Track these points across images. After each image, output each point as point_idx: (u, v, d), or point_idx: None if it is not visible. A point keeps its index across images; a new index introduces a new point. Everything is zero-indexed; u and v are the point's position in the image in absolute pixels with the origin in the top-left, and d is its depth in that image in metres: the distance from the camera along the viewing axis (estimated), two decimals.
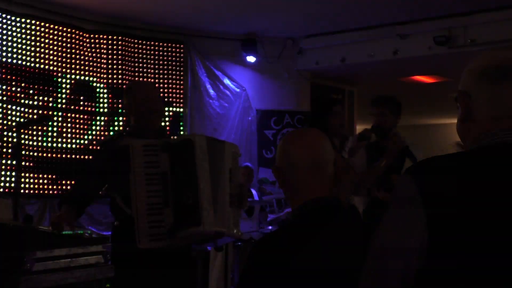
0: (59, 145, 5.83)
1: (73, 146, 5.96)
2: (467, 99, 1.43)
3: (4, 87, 5.50)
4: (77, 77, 6.08)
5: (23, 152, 5.47)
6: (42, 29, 5.83)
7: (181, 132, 6.84)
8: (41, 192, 5.69)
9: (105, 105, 6.29)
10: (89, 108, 6.14)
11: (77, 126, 6.03)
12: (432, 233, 1.27)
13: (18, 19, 5.65)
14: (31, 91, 5.69)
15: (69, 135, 5.96)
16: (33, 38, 5.75)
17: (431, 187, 1.30)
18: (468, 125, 1.44)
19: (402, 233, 1.31)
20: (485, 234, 1.26)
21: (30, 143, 5.65)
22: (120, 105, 6.31)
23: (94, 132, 6.20)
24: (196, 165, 2.95)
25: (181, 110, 6.85)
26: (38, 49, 5.78)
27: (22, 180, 5.48)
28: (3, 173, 5.37)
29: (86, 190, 3.12)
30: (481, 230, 1.27)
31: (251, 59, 7.11)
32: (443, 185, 1.30)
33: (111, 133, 6.27)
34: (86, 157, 6.03)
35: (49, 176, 5.76)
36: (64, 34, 5.99)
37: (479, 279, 1.24)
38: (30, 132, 5.57)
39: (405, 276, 1.30)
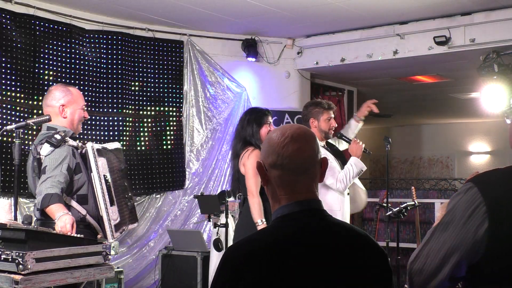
0: None
1: None
2: None
3: (3, 87, 5.50)
4: (77, 77, 6.08)
5: (23, 152, 5.45)
6: (42, 28, 5.82)
7: (181, 132, 6.84)
8: None
9: (106, 105, 6.31)
10: (89, 108, 6.14)
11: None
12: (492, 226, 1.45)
13: (18, 18, 5.64)
14: (30, 91, 5.69)
15: None
16: (32, 38, 5.74)
17: (494, 194, 1.47)
18: None
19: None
20: None
21: (30, 143, 5.65)
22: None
23: (95, 132, 6.21)
24: (126, 169, 3.41)
25: (181, 110, 6.85)
26: (38, 49, 5.78)
27: (22, 180, 5.47)
28: (3, 173, 5.36)
29: (64, 186, 3.16)
30: None
31: (251, 59, 7.10)
32: (504, 190, 1.48)
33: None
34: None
35: None
36: (64, 34, 5.99)
37: None
38: (30, 132, 5.56)
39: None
